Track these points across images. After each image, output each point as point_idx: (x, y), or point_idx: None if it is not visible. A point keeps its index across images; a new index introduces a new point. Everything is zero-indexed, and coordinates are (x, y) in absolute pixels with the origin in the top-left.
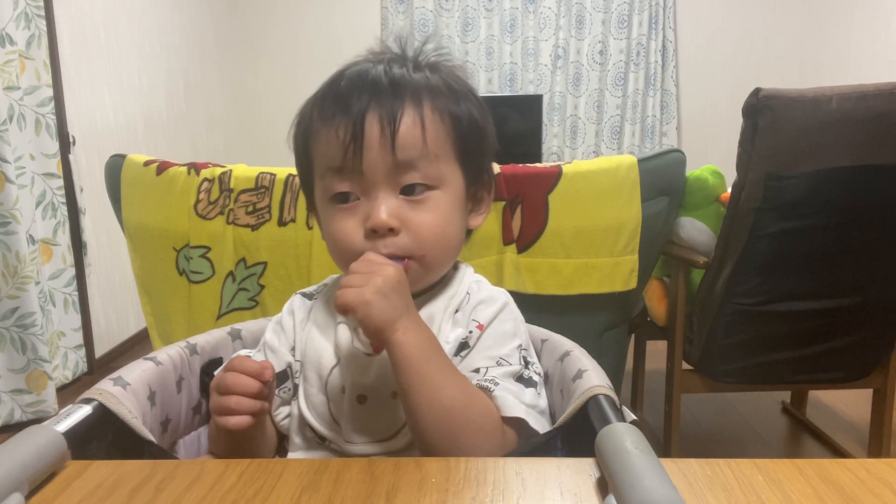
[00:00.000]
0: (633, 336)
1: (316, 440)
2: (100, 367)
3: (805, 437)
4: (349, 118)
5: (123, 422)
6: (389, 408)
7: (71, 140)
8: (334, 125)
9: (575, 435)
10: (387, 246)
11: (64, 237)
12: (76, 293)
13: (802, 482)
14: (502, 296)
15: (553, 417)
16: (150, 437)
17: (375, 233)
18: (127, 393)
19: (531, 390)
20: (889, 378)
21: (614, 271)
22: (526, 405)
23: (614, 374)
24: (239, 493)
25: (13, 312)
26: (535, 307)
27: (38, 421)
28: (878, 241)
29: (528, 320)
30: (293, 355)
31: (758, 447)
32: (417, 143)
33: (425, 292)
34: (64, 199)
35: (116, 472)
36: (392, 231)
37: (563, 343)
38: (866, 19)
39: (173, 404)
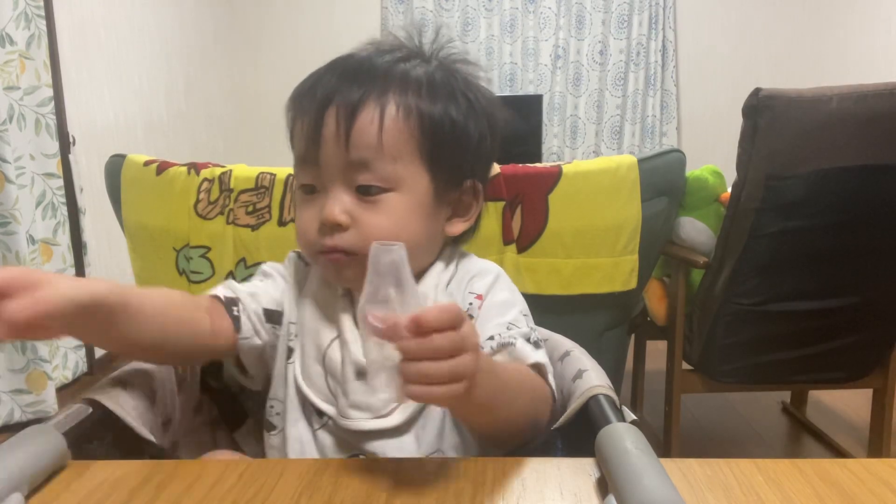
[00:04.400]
0: (633, 336)
1: (315, 415)
2: (100, 367)
3: (805, 437)
4: (314, 107)
5: (123, 422)
6: None
7: (71, 140)
8: (303, 113)
9: (575, 435)
10: (333, 239)
11: (64, 237)
12: None
13: (802, 482)
14: (494, 268)
15: (553, 417)
16: (150, 437)
17: (325, 226)
18: (127, 393)
19: (541, 351)
20: (889, 378)
21: (614, 271)
22: (545, 365)
23: (614, 374)
24: (239, 493)
25: None
26: (535, 307)
27: (38, 421)
28: (878, 241)
29: None
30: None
31: (758, 447)
32: (372, 142)
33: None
34: (64, 199)
35: (116, 472)
36: (340, 227)
37: (563, 343)
38: (866, 19)
39: (173, 404)
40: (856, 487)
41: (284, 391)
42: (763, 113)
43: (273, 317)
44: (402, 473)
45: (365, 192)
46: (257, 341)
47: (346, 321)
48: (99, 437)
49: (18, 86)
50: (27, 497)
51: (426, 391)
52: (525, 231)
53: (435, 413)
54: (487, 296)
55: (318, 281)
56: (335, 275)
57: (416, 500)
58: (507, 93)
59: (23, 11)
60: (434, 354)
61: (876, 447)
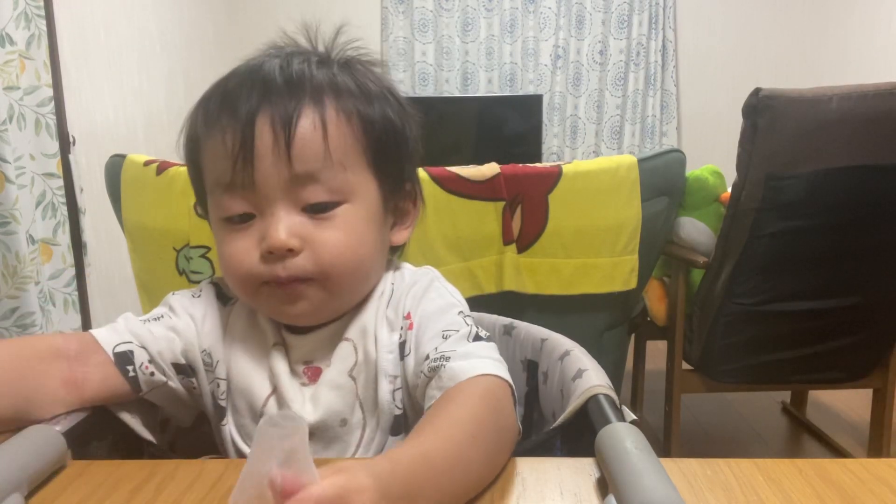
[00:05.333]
0: (633, 336)
1: None
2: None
3: (805, 437)
4: (237, 123)
5: (123, 422)
6: (339, 437)
7: (71, 140)
8: (220, 131)
9: (575, 435)
10: (286, 269)
11: (64, 237)
12: (76, 293)
13: (802, 482)
14: (425, 275)
15: (553, 417)
16: (150, 437)
17: (272, 254)
18: None
19: (483, 345)
20: (889, 378)
21: (614, 271)
22: (493, 359)
23: (614, 374)
24: None
25: (13, 312)
26: (535, 307)
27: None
28: (878, 241)
29: (528, 320)
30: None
31: (758, 447)
32: (318, 151)
33: (357, 304)
34: (64, 199)
35: (116, 472)
36: (292, 251)
37: (563, 343)
38: (866, 19)
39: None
40: (856, 487)
41: (224, 450)
42: (763, 113)
43: (183, 370)
44: None
45: (315, 210)
46: (169, 387)
47: (283, 374)
48: (99, 437)
49: (18, 86)
50: (27, 497)
51: None
52: (525, 231)
53: None
54: (418, 309)
55: (245, 326)
56: (287, 308)
57: None
58: (507, 93)
59: (23, 11)
60: None
61: (876, 447)
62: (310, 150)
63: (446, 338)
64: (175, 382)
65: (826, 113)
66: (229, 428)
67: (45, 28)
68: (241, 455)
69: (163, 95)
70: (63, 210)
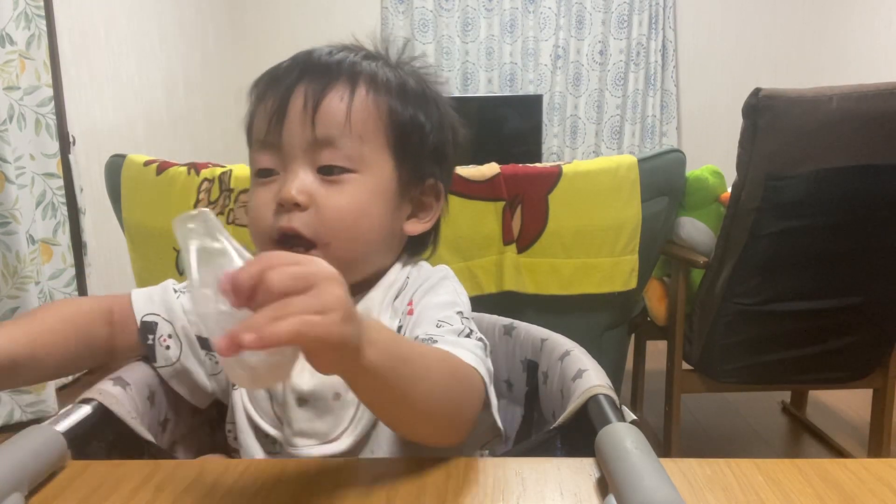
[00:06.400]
0: (633, 336)
1: (267, 441)
2: (99, 367)
3: (805, 437)
4: (278, 93)
5: (123, 422)
6: (332, 410)
7: (71, 140)
8: (266, 100)
9: (575, 435)
10: (291, 220)
11: (64, 237)
12: (76, 293)
13: (802, 482)
14: (439, 272)
15: (553, 417)
16: (150, 437)
17: (283, 207)
18: (127, 393)
19: (471, 341)
20: (889, 378)
21: (614, 271)
22: (476, 355)
23: (614, 374)
24: (239, 493)
25: (13, 312)
26: (535, 307)
27: (38, 421)
28: (879, 241)
29: (528, 320)
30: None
31: (758, 447)
32: (339, 119)
33: (361, 288)
34: (64, 199)
35: (116, 472)
36: (299, 207)
37: (563, 343)
38: (866, 19)
39: (172, 404)
40: (856, 487)
41: (235, 416)
42: (763, 113)
43: (205, 344)
44: (402, 472)
45: (327, 172)
46: (180, 367)
47: None
48: (99, 437)
49: (18, 86)
50: (27, 497)
51: (271, 329)
52: (525, 231)
53: (384, 436)
54: (421, 300)
55: None
56: None
57: (416, 499)
58: (507, 93)
59: (23, 11)
60: (274, 288)
61: (876, 447)
62: (332, 118)
63: (439, 327)
64: (192, 360)
65: (826, 113)
66: (241, 392)
67: (45, 28)
68: (250, 418)
69: (163, 95)
70: (63, 210)
